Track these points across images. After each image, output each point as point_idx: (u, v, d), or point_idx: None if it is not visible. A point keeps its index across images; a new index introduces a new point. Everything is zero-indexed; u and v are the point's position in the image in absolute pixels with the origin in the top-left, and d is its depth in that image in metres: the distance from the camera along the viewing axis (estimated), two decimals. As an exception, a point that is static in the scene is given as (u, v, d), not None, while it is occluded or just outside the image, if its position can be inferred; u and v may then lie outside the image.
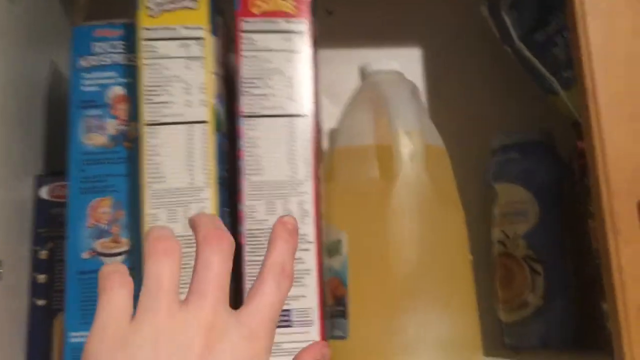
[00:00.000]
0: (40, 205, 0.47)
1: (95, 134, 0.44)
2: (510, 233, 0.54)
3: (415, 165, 0.48)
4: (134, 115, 0.44)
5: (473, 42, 0.64)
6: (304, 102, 0.43)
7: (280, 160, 0.41)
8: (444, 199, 0.48)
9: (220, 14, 0.46)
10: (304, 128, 0.42)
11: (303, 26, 0.44)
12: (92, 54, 0.45)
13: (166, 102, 0.41)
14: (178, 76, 0.41)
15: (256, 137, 0.42)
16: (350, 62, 0.62)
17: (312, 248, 0.40)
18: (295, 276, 0.39)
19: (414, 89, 0.54)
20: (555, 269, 0.52)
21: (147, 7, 0.42)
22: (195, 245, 0.30)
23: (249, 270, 0.40)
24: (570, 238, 0.53)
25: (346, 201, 0.49)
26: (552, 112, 0.57)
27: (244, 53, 0.43)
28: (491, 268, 0.55)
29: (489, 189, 0.57)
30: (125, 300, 0.29)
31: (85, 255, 0.42)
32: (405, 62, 0.62)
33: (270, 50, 0.43)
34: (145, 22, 0.42)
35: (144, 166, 0.40)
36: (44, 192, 0.47)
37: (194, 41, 0.42)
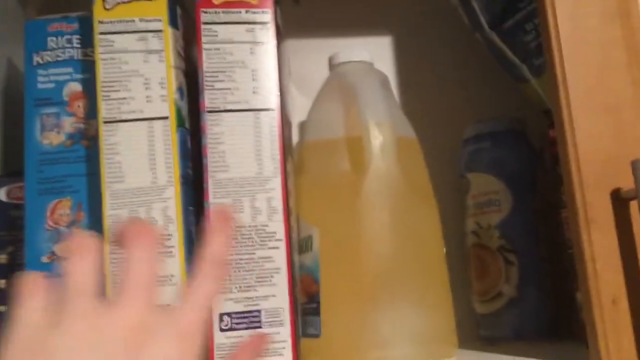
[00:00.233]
0: (-1, 207, 0.45)
1: (52, 133, 0.42)
2: (484, 223, 0.53)
3: (386, 157, 0.47)
4: (92, 112, 0.42)
5: (444, 31, 0.63)
6: (270, 95, 0.41)
7: (246, 156, 0.40)
8: (416, 191, 0.48)
9: (180, 4, 0.44)
10: (270, 122, 0.41)
11: (266, 17, 0.42)
12: (47, 49, 0.43)
13: (125, 98, 0.40)
14: (137, 71, 0.40)
15: (220, 132, 0.40)
16: (320, 52, 0.61)
17: (282, 246, 0.39)
18: (264, 275, 0.38)
19: (383, 79, 0.53)
20: (529, 259, 0.51)
21: (103, 0, 0.40)
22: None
23: (216, 271, 0.38)
24: (543, 227, 0.53)
25: (317, 195, 0.47)
26: (524, 100, 0.56)
27: (205, 45, 0.41)
28: (465, 259, 0.55)
29: (462, 179, 0.56)
30: (43, 304, 0.27)
31: (44, 259, 0.40)
32: (375, 52, 0.61)
33: (233, 42, 0.42)
34: (100, 15, 0.40)
35: (103, 165, 0.39)
36: (2, 194, 0.45)
37: (152, 34, 0.40)
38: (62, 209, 0.41)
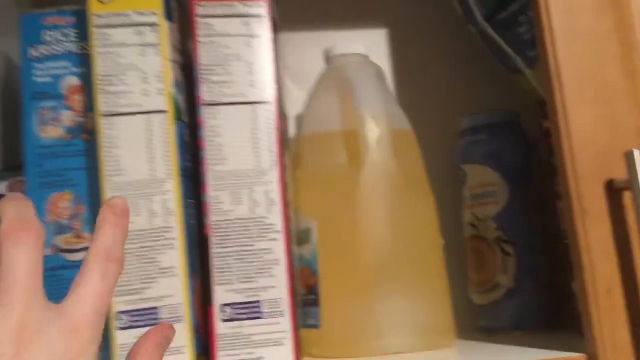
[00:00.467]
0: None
1: (50, 127, 0.42)
2: (481, 215, 0.54)
3: (382, 150, 0.48)
4: (90, 106, 0.42)
5: (438, 23, 0.64)
6: (266, 88, 0.42)
7: (243, 149, 0.40)
8: (412, 183, 0.48)
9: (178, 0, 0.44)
10: (267, 115, 0.41)
11: (262, 10, 0.42)
12: (43, 43, 0.43)
13: (122, 92, 0.40)
14: (134, 64, 0.40)
15: (218, 125, 0.41)
16: (315, 45, 0.61)
17: (280, 238, 0.40)
18: (264, 267, 0.39)
19: (379, 72, 0.53)
20: (525, 250, 0.52)
21: (99, -7, 0.40)
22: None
23: (217, 263, 0.39)
24: (539, 219, 0.53)
25: (314, 189, 0.48)
26: (518, 92, 0.57)
27: (201, 39, 0.41)
28: (463, 251, 0.55)
29: (458, 171, 0.57)
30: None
31: (46, 252, 0.41)
32: (370, 44, 0.61)
33: (229, 35, 0.42)
34: (96, 9, 0.40)
35: (102, 159, 0.39)
36: (3, 188, 0.45)
37: (148, 27, 0.41)
38: (63, 202, 0.41)
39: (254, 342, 0.38)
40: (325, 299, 0.44)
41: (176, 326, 0.37)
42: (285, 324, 0.38)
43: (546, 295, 0.52)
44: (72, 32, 0.43)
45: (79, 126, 0.42)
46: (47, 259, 0.40)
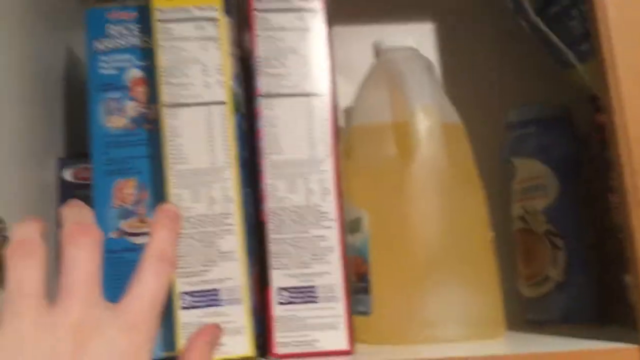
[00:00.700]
0: (65, 187, 0.47)
1: (115, 117, 0.44)
2: (530, 208, 0.54)
3: (432, 142, 0.48)
4: (152, 97, 0.44)
5: (488, 16, 0.64)
6: (321, 80, 0.43)
7: (299, 139, 0.42)
8: (462, 176, 0.48)
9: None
10: (322, 106, 0.42)
11: (316, 4, 0.44)
12: (108, 37, 0.45)
13: (184, 84, 0.41)
14: (195, 57, 0.42)
15: (274, 116, 0.42)
16: (363, 38, 0.62)
17: (334, 225, 0.41)
18: (318, 253, 0.40)
19: (429, 65, 0.53)
20: (575, 243, 0.52)
21: (162, -11, 0.42)
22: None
23: (273, 248, 0.40)
24: (589, 212, 0.53)
25: (365, 179, 0.49)
26: (568, 86, 0.56)
27: (258, 32, 0.43)
28: (512, 243, 0.55)
29: (507, 164, 0.57)
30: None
31: (112, 235, 0.43)
32: (419, 37, 0.62)
33: (285, 29, 0.43)
34: (159, 4, 0.42)
35: (166, 148, 0.40)
36: (67, 174, 0.48)
37: (208, 22, 0.42)
38: (128, 188, 0.43)
39: (308, 325, 0.39)
40: (376, 287, 0.45)
41: (235, 307, 0.39)
42: (339, 308, 0.40)
43: (596, 288, 0.52)
44: (134, 26, 0.45)
45: (142, 116, 0.44)
46: (112, 242, 0.43)
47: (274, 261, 0.40)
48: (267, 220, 0.40)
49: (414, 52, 0.53)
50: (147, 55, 0.45)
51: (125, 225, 0.43)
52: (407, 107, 0.49)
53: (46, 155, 0.47)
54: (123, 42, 0.45)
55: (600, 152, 0.51)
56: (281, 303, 0.39)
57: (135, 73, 0.45)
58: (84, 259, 0.28)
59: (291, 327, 0.39)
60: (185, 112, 0.41)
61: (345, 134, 0.52)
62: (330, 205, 0.41)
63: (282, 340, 0.39)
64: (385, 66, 0.53)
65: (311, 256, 0.40)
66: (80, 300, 0.27)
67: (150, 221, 0.43)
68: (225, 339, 0.38)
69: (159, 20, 0.42)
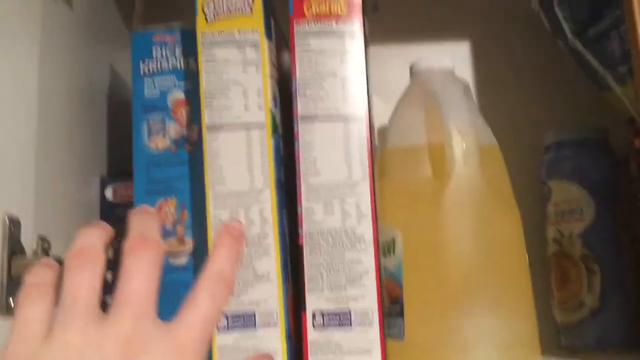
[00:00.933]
0: (106, 206, 0.49)
1: (158, 137, 0.45)
2: (566, 231, 0.53)
3: (468, 165, 0.48)
4: (193, 118, 0.45)
5: (524, 36, 0.64)
6: (358, 103, 0.43)
7: (336, 162, 0.42)
8: (498, 198, 0.48)
9: (273, 16, 0.47)
10: (359, 129, 0.43)
11: (355, 27, 0.44)
12: (152, 59, 0.46)
13: (225, 106, 0.42)
14: (236, 80, 0.42)
15: (312, 138, 0.42)
16: (398, 58, 0.62)
17: (370, 249, 0.41)
18: (354, 276, 0.40)
19: (465, 86, 0.53)
20: (611, 268, 0.51)
21: (205, 13, 0.43)
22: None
23: (309, 271, 0.41)
24: (626, 236, 0.52)
25: (399, 200, 0.49)
26: (606, 108, 0.56)
27: (298, 56, 0.43)
28: (546, 267, 0.55)
29: (543, 186, 0.56)
30: (40, 316, 0.28)
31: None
32: (455, 57, 0.62)
33: (324, 52, 0.43)
34: (203, 28, 0.43)
35: (206, 169, 0.41)
36: (109, 193, 0.49)
37: (250, 46, 0.43)
38: (168, 207, 0.44)
39: (343, 350, 0.40)
40: (410, 310, 0.45)
41: (270, 330, 0.39)
42: (373, 333, 0.40)
43: (632, 314, 0.51)
44: (178, 49, 0.46)
45: (184, 137, 0.45)
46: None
47: (309, 284, 0.40)
48: (304, 242, 0.41)
49: (450, 74, 0.53)
50: (189, 77, 0.46)
51: (164, 244, 0.44)
52: (443, 129, 0.49)
53: (90, 173, 0.49)
54: (166, 64, 0.46)
55: (638, 175, 0.50)
56: (316, 327, 0.40)
57: (177, 95, 0.46)
58: (142, 272, 0.28)
59: (325, 351, 0.40)
60: (225, 134, 0.42)
61: (381, 155, 0.52)
62: (366, 229, 0.41)
63: (317, 363, 0.40)
64: (421, 87, 0.53)
65: (346, 279, 0.40)
66: (133, 314, 0.27)
67: (187, 241, 0.44)
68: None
69: (203, 44, 0.43)
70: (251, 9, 0.43)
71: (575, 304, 0.52)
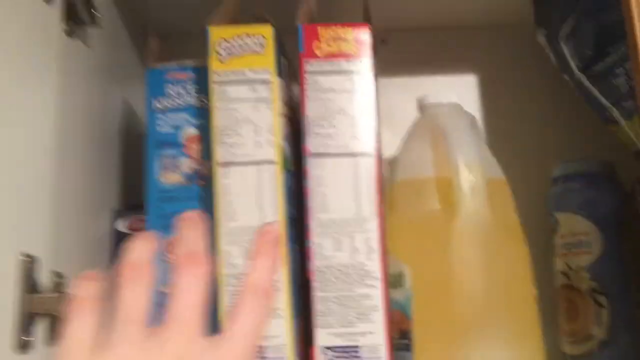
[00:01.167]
0: (118, 238, 0.49)
1: (170, 173, 0.46)
2: (573, 264, 0.54)
3: (476, 198, 0.49)
4: (206, 154, 0.46)
5: (531, 70, 0.64)
6: (368, 140, 0.44)
7: (345, 198, 0.43)
8: (506, 232, 0.49)
9: (284, 54, 0.48)
10: (368, 166, 0.43)
11: (364, 66, 0.45)
12: (166, 96, 0.47)
13: (236, 143, 0.43)
14: (248, 118, 0.43)
15: (322, 175, 0.43)
16: (406, 90, 0.63)
17: (379, 285, 0.41)
18: (363, 312, 0.41)
19: (472, 121, 0.54)
20: (620, 301, 0.52)
21: (218, 53, 0.44)
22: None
23: (318, 306, 0.41)
24: (634, 270, 0.53)
25: (408, 234, 0.49)
26: (612, 142, 0.56)
27: (308, 94, 0.44)
28: (554, 299, 0.55)
29: (550, 218, 0.57)
30: (91, 329, 0.28)
31: (163, 288, 0.44)
32: (462, 90, 0.63)
33: (334, 90, 0.44)
34: (216, 67, 0.44)
35: (218, 205, 0.42)
36: (121, 225, 0.50)
37: (261, 84, 0.44)
38: (180, 243, 0.45)
39: (352, 385, 0.40)
40: (418, 343, 0.45)
41: (280, 365, 0.40)
42: (382, 368, 0.40)
43: (641, 349, 0.51)
44: (191, 86, 0.48)
45: (196, 172, 0.46)
46: (162, 296, 0.44)
47: (319, 319, 0.41)
48: (313, 278, 0.42)
49: (457, 108, 0.54)
50: (202, 114, 0.47)
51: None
52: (451, 163, 0.50)
53: (102, 207, 0.50)
54: (180, 101, 0.47)
55: (646, 209, 0.51)
56: (325, 362, 0.40)
57: (190, 131, 0.47)
58: (191, 290, 0.29)
59: (335, 386, 0.40)
60: (236, 171, 0.43)
61: (389, 188, 0.53)
62: (375, 264, 0.42)
63: (326, 399, 0.40)
64: (428, 121, 0.54)
65: (356, 315, 0.41)
66: (184, 330, 0.28)
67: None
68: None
69: (215, 83, 0.44)
70: (263, 49, 0.44)
71: (584, 336, 0.52)
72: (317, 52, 0.45)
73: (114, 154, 0.52)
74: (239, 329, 0.29)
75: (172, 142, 0.47)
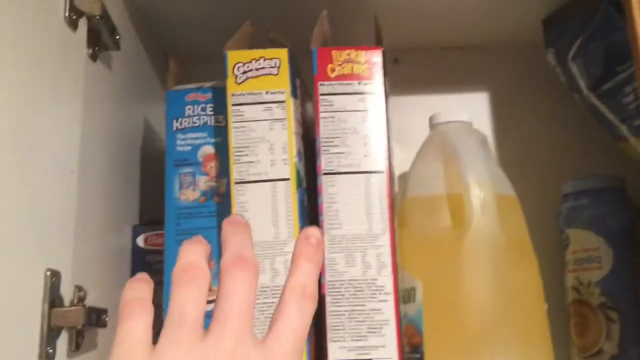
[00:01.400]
0: (137, 253, 0.51)
1: (188, 190, 0.48)
2: (584, 280, 0.54)
3: (486, 214, 0.50)
4: (222, 172, 0.48)
5: (541, 88, 0.65)
6: (379, 159, 0.45)
7: (358, 215, 0.44)
8: (516, 248, 0.50)
9: (298, 74, 0.49)
10: (380, 184, 0.45)
11: (376, 87, 0.47)
12: (185, 116, 0.49)
13: (252, 162, 0.45)
14: (263, 137, 0.45)
15: (335, 192, 0.45)
16: (418, 108, 0.65)
17: (390, 299, 0.43)
18: (374, 326, 0.42)
19: (483, 139, 0.55)
20: (630, 316, 0.52)
21: (235, 75, 0.46)
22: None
23: (331, 321, 0.42)
24: (645, 285, 0.53)
25: (419, 250, 0.51)
26: (622, 158, 0.57)
27: (322, 114, 0.46)
28: (565, 314, 0.56)
29: (561, 234, 0.58)
30: (144, 330, 0.28)
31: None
32: (473, 108, 0.64)
33: (346, 110, 0.46)
34: (233, 89, 0.46)
35: (233, 222, 0.44)
36: (140, 241, 0.51)
37: (276, 104, 0.46)
38: (197, 258, 0.46)
39: (364, 399, 0.41)
40: (430, 358, 0.46)
41: (294, 377, 0.41)
42: (394, 382, 0.41)
43: (653, 364, 0.51)
44: (209, 107, 0.49)
45: (212, 189, 0.48)
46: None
47: (331, 334, 0.42)
48: (326, 293, 0.43)
49: (468, 126, 0.56)
50: (219, 133, 0.49)
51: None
52: (461, 180, 0.51)
53: (123, 222, 0.51)
54: (198, 121, 0.49)
55: (656, 225, 0.51)
56: (337, 376, 0.41)
57: (207, 149, 0.49)
58: (240, 292, 0.29)
59: (347, 400, 0.41)
60: (252, 188, 0.44)
61: (401, 204, 0.54)
62: (386, 279, 0.43)
63: (338, 412, 0.41)
64: (440, 139, 0.55)
65: (367, 329, 0.42)
66: (233, 332, 0.28)
67: (214, 289, 0.45)
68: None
69: (232, 103, 0.46)
70: (278, 71, 0.46)
71: (595, 351, 0.52)
72: (331, 74, 0.47)
73: (134, 172, 0.54)
74: (285, 329, 0.29)
75: (190, 160, 0.48)
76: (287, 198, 0.44)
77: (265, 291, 0.43)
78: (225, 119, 0.46)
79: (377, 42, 0.50)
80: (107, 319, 0.42)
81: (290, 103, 0.46)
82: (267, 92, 0.46)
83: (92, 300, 0.42)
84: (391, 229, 0.44)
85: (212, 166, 0.48)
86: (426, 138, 0.56)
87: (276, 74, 0.46)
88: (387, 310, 0.42)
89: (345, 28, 0.57)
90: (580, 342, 0.54)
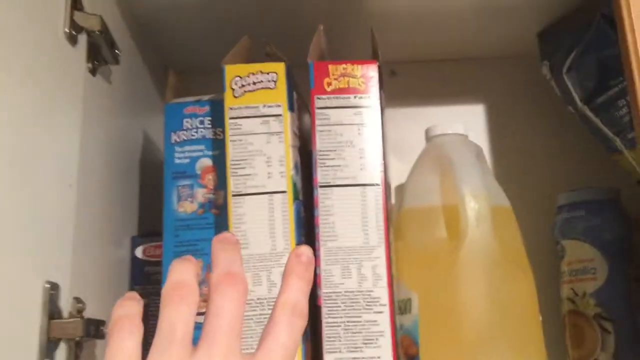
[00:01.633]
0: (135, 264, 0.52)
1: (186, 202, 0.48)
2: (579, 291, 0.55)
3: (482, 226, 0.50)
4: (220, 184, 0.48)
5: (536, 100, 0.66)
6: (375, 171, 0.46)
7: (353, 227, 0.45)
8: (512, 259, 0.50)
9: (295, 88, 0.50)
10: (375, 196, 0.45)
11: (372, 101, 0.47)
12: (183, 129, 0.50)
13: (250, 175, 0.45)
14: (260, 150, 0.46)
15: (331, 205, 0.45)
16: (414, 120, 0.65)
17: (386, 310, 0.43)
18: (370, 338, 0.42)
19: (478, 151, 0.56)
20: (625, 327, 0.52)
21: (232, 89, 0.47)
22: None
23: (327, 332, 0.43)
24: (639, 295, 0.53)
25: (415, 261, 0.51)
26: (617, 170, 0.58)
27: (318, 128, 0.46)
28: (561, 325, 0.56)
29: (556, 245, 0.58)
30: (134, 347, 0.29)
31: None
32: (469, 120, 0.65)
33: (343, 124, 0.47)
34: (230, 103, 0.46)
35: (231, 234, 0.44)
36: (139, 252, 0.52)
37: (273, 118, 0.46)
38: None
39: (360, 410, 0.41)
40: (426, 369, 0.46)
41: (291, 389, 0.41)
42: (389, 393, 0.41)
43: (648, 375, 0.52)
44: (207, 120, 0.50)
45: (210, 202, 0.49)
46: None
47: (327, 345, 0.42)
48: (322, 304, 0.43)
49: (463, 139, 0.56)
50: (217, 145, 0.49)
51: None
52: (457, 191, 0.51)
53: (122, 234, 0.52)
54: (196, 134, 0.50)
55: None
56: (333, 387, 0.42)
57: (205, 162, 0.49)
58: (228, 309, 0.29)
59: (343, 411, 0.41)
60: (249, 201, 0.45)
61: (397, 216, 0.55)
62: (382, 291, 0.43)
63: (334, 422, 0.41)
64: (435, 151, 0.56)
65: (363, 340, 0.42)
66: (222, 350, 0.28)
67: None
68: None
69: (230, 117, 0.46)
70: (275, 84, 0.47)
71: (590, 362, 0.53)
72: (327, 87, 0.47)
73: (133, 184, 0.55)
74: (275, 347, 0.29)
75: (188, 173, 0.49)
76: (284, 210, 0.45)
77: (262, 303, 0.43)
78: (223, 132, 0.47)
79: (374, 56, 0.51)
80: (105, 330, 0.43)
81: (287, 116, 0.46)
82: (264, 106, 0.46)
83: (91, 311, 0.43)
84: (387, 241, 0.44)
85: (210, 178, 0.49)
86: (422, 150, 0.57)
87: (273, 88, 0.47)
88: (383, 321, 0.43)
89: (342, 41, 0.57)
90: (575, 353, 0.54)
